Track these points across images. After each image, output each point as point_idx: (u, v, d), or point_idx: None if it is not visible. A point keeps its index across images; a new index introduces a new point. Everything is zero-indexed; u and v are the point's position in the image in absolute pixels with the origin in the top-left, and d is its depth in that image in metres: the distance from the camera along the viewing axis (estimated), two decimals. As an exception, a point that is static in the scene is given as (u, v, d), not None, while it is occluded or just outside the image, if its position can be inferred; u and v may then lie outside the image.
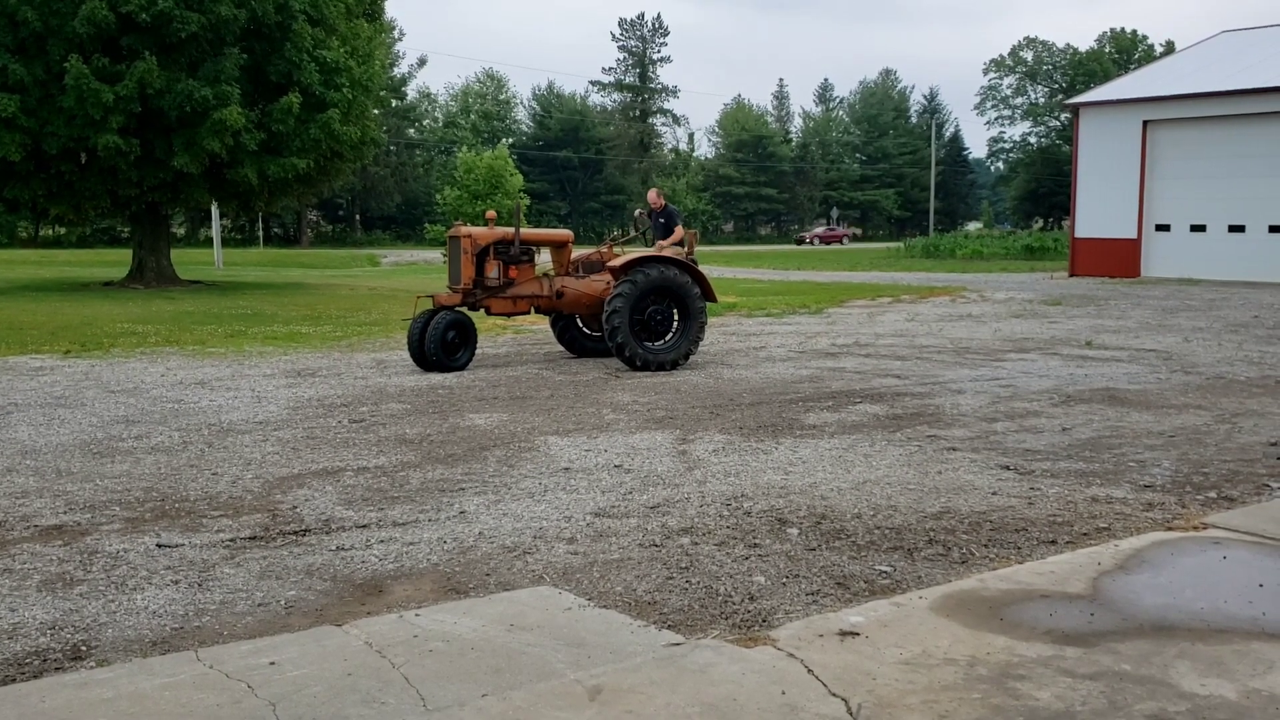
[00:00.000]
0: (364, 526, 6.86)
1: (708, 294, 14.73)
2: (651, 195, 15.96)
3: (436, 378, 13.51)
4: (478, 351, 14.88)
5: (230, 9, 26.51)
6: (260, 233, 76.66)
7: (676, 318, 14.50)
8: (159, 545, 6.46)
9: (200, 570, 6.02)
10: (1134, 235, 36.29)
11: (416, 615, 5.18)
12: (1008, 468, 8.37)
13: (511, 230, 14.85)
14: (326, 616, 5.32)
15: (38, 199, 29.01)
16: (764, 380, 13.24)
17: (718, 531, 6.61)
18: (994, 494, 7.51)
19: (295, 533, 6.73)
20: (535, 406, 11.42)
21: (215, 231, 49.30)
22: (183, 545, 6.48)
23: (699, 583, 5.68)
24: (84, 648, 4.97)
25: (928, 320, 21.22)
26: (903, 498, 7.40)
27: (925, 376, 13.56)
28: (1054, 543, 6.32)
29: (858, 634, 4.73)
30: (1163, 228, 36.06)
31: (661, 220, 15.53)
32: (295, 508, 7.33)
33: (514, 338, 18.19)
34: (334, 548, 6.42)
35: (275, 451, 9.15)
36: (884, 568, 5.88)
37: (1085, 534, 6.49)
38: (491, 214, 15.70)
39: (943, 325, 20.19)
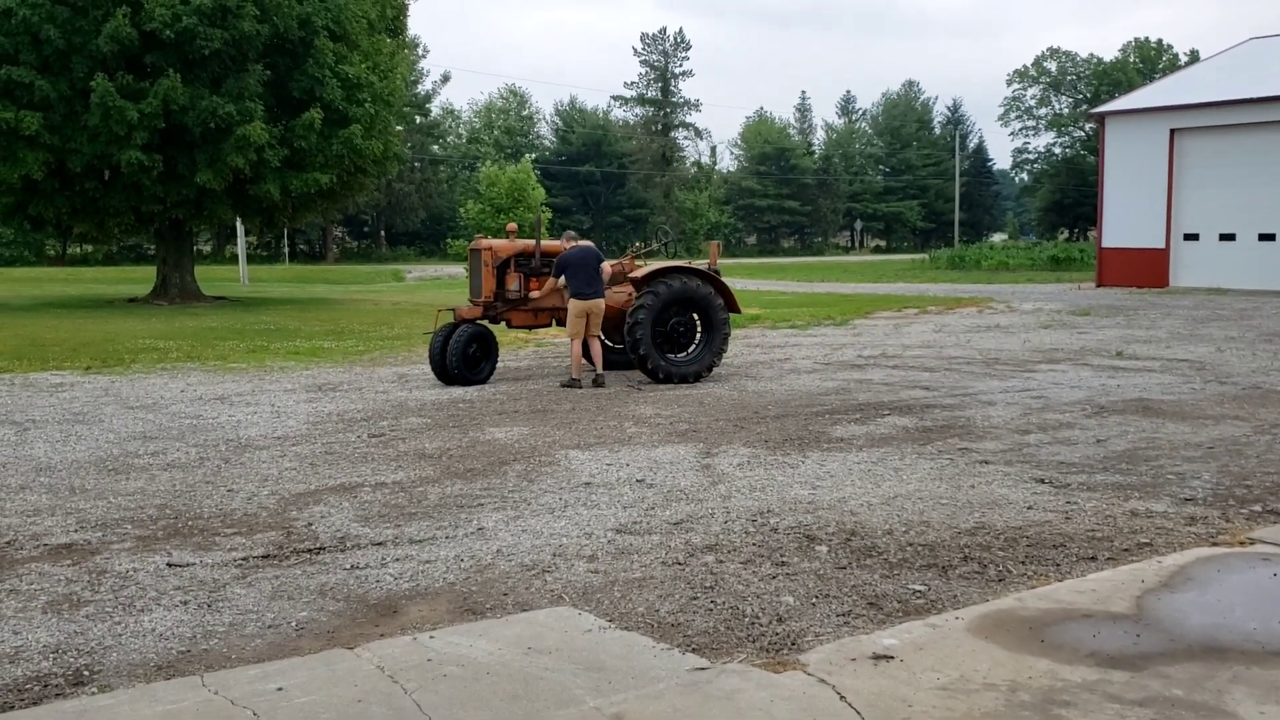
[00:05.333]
0: (380, 544, 6.69)
1: (731, 305, 14.53)
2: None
3: (457, 391, 13.35)
4: (499, 365, 14.72)
5: (253, 25, 26.54)
6: (286, 249, 76.94)
7: (700, 329, 14.30)
8: (169, 564, 6.30)
9: (210, 590, 5.86)
10: (1162, 245, 35.82)
11: (431, 637, 4.99)
12: (1042, 481, 8.11)
13: (532, 243, 14.69)
14: (338, 639, 5.14)
15: (61, 216, 29.09)
16: (789, 392, 13.01)
17: (743, 549, 6.39)
18: (1029, 508, 7.26)
19: (309, 551, 6.55)
20: (556, 420, 11.24)
21: (240, 247, 49.46)
22: (194, 564, 6.32)
23: (724, 603, 5.46)
24: (87, 672, 4.80)
25: (955, 331, 20.93)
26: (935, 513, 7.16)
27: (954, 388, 13.30)
28: (1094, 559, 6.07)
29: (892, 657, 4.50)
30: (1191, 237, 35.58)
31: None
32: (310, 525, 7.16)
33: (535, 351, 18.02)
34: (348, 566, 6.24)
35: (292, 467, 8.99)
36: (918, 586, 5.65)
37: (1126, 550, 6.24)
38: (513, 226, 15.54)
39: (970, 336, 19.90)
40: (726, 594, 5.60)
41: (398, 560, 6.33)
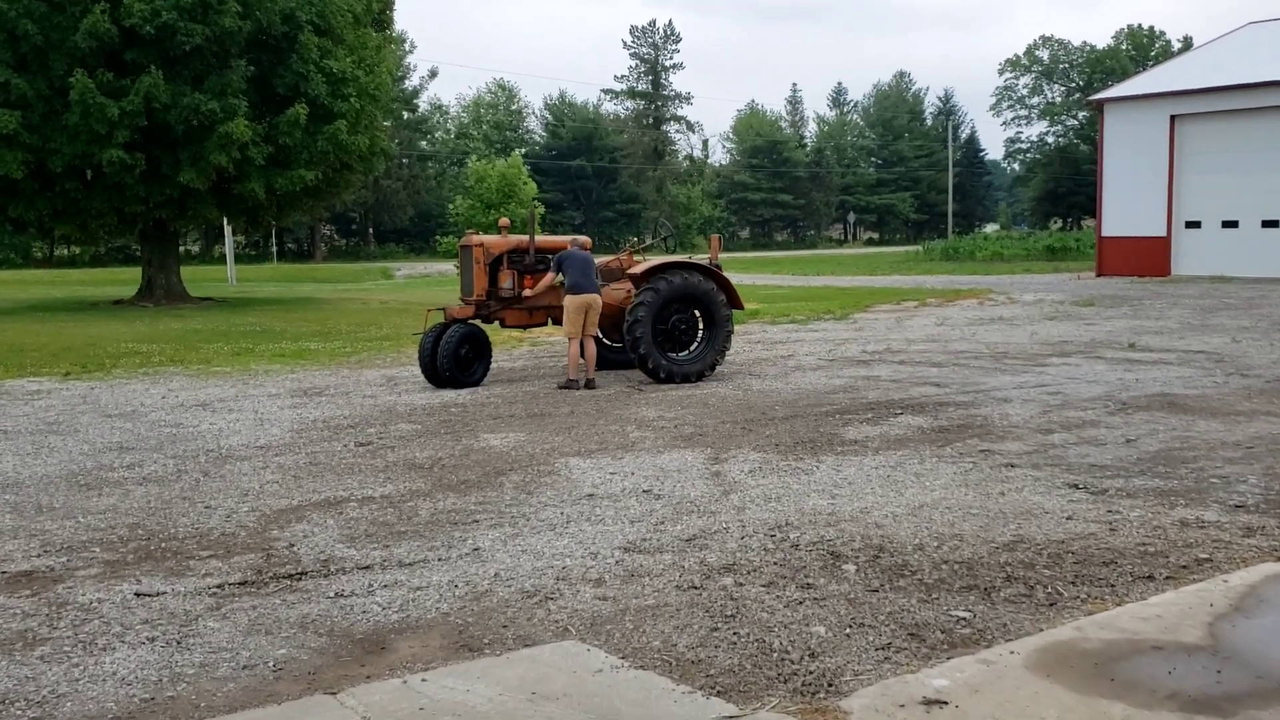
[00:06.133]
0: (366, 568, 6.14)
1: (734, 301, 14.00)
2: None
3: (449, 395, 12.80)
4: (493, 366, 14.18)
5: (234, 20, 25.89)
6: (274, 248, 76.19)
7: (701, 327, 13.77)
8: (137, 594, 5.76)
9: (181, 624, 5.31)
10: (1163, 233, 35.36)
11: (423, 680, 4.46)
12: (1077, 486, 7.59)
13: (526, 238, 14.14)
14: (320, 681, 4.60)
15: (43, 218, 28.40)
16: (796, 391, 12.49)
17: (764, 569, 5.86)
18: (1069, 519, 6.73)
19: (290, 576, 6.01)
20: (554, 424, 10.70)
21: (228, 247, 48.77)
22: (165, 593, 5.77)
23: (749, 635, 4.93)
24: (35, 728, 4.26)
25: (958, 324, 20.43)
26: (967, 524, 6.63)
27: (966, 384, 12.78)
28: (1151, 578, 5.54)
29: (945, 702, 3.98)
30: (1193, 225, 35.13)
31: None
32: (292, 546, 6.61)
33: (531, 350, 17.47)
34: (332, 594, 5.70)
35: (274, 480, 8.45)
36: (961, 613, 5.12)
37: (1184, 566, 5.72)
38: (505, 221, 14.99)
39: (975, 329, 19.39)
40: (750, 623, 5.06)
41: (386, 587, 5.79)
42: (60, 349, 18.25)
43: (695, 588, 5.58)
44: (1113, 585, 5.45)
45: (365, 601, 5.58)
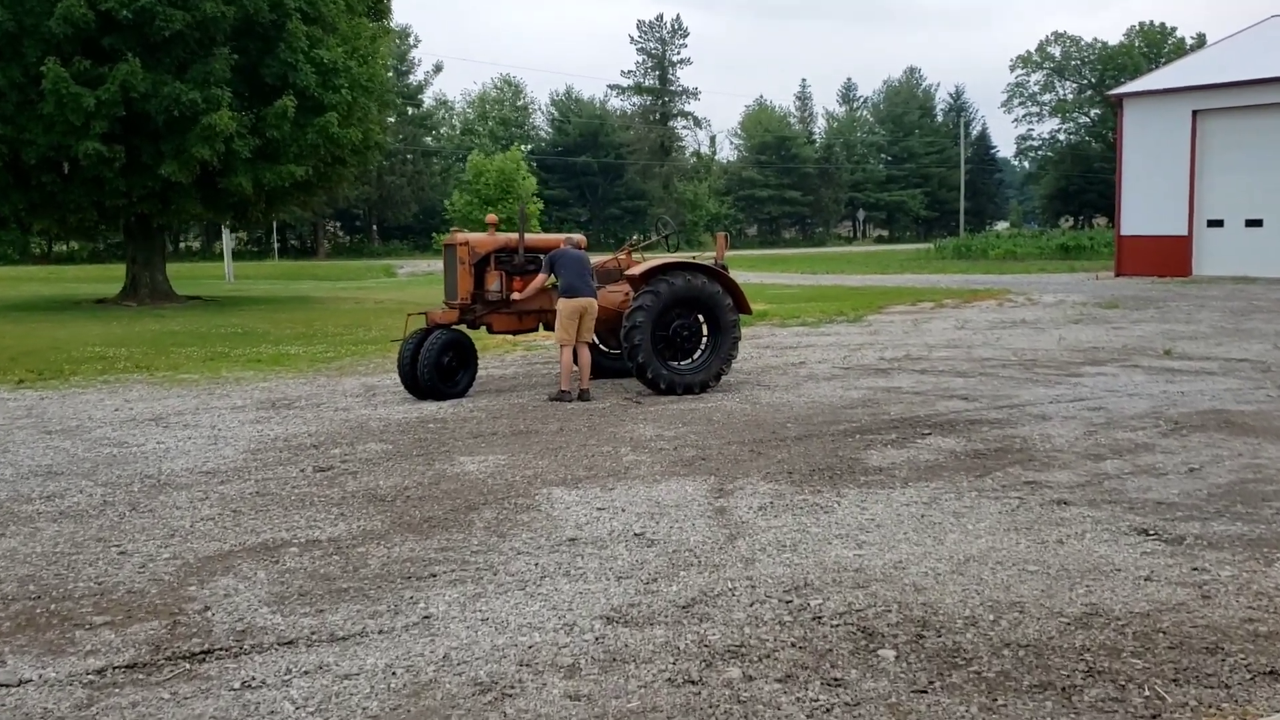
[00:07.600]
0: (290, 643, 4.98)
1: (741, 305, 12.82)
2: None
3: (430, 408, 11.66)
4: (480, 374, 13.03)
5: (217, 6, 24.67)
6: (275, 245, 75.08)
7: (706, 332, 12.61)
8: (-8, 684, 4.61)
9: (35, 731, 4.16)
10: (1184, 232, 34.17)
11: (323, 834, 3.31)
12: (1147, 532, 6.41)
13: (514, 236, 12.97)
14: (192, 827, 3.45)
15: (19, 212, 27.23)
16: (809, 405, 11.32)
17: (779, 653, 4.68)
18: (1147, 579, 5.55)
19: (192, 656, 4.85)
20: (540, 444, 9.54)
21: (225, 244, 47.79)
22: (29, 682, 4.62)
23: (762, 764, 3.76)
24: None
25: (979, 328, 19.24)
26: (1025, 587, 5.45)
27: (997, 397, 11.61)
28: (1274, 674, 4.36)
29: None
30: (1215, 223, 33.93)
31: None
32: (207, 610, 5.46)
33: (523, 357, 16.31)
34: (239, 684, 4.54)
35: (211, 516, 7.29)
36: (1039, 731, 3.94)
37: (1312, 656, 4.54)
38: (492, 218, 13.82)
39: (998, 333, 18.21)
40: (763, 743, 3.89)
41: (307, 673, 4.63)
42: (22, 353, 17.12)
43: (692, 682, 4.40)
44: (1227, 686, 4.26)
45: (276, 696, 4.42)
